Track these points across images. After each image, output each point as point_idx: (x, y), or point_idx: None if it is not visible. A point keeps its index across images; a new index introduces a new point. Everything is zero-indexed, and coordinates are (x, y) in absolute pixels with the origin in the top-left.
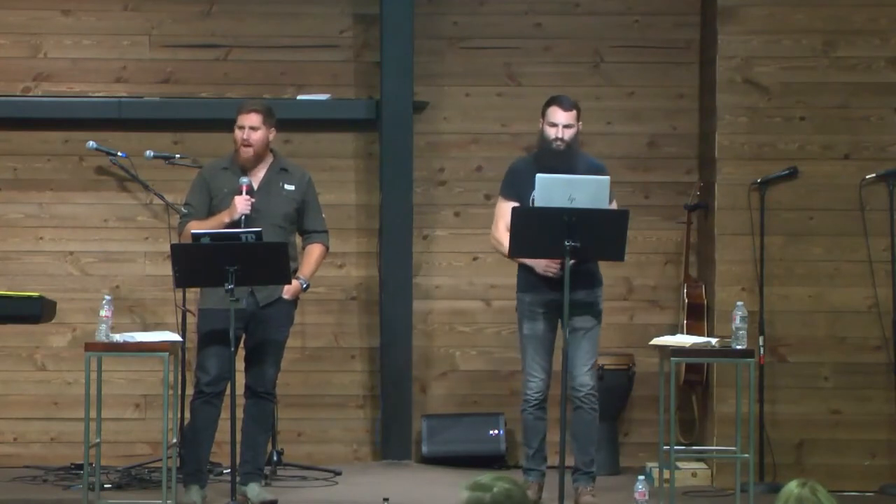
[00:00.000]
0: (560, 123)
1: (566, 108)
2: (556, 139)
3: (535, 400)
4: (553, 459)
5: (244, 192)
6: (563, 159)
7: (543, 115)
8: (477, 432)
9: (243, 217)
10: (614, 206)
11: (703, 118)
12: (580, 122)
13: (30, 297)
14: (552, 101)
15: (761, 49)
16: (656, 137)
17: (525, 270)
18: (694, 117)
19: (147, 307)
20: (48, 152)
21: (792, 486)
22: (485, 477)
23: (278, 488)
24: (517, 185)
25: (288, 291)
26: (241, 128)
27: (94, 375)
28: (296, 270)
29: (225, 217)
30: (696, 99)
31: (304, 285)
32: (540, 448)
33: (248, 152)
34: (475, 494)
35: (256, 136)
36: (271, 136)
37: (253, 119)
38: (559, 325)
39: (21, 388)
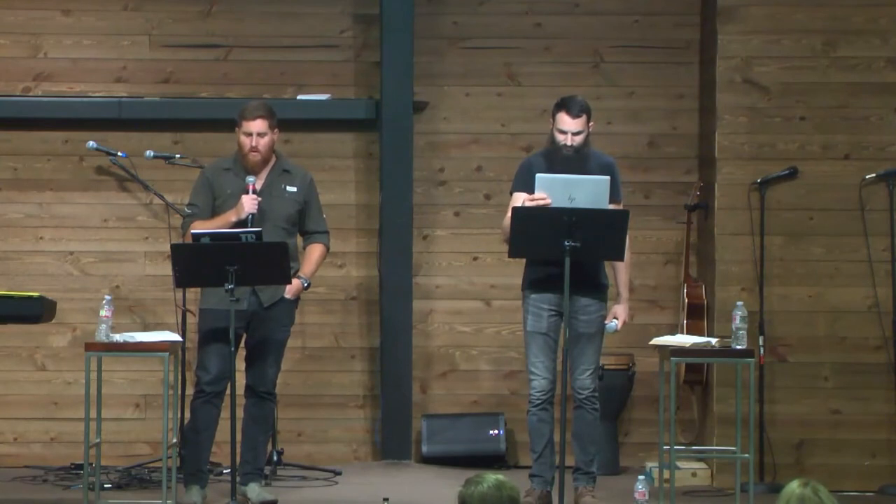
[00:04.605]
0: (569, 131)
1: (574, 115)
2: (565, 146)
3: (539, 401)
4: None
5: (251, 191)
6: (573, 162)
7: (553, 116)
8: (477, 432)
9: (251, 216)
10: (621, 200)
11: (703, 118)
12: (591, 124)
13: (30, 297)
14: (561, 106)
15: (761, 49)
16: (656, 137)
17: (531, 269)
18: (694, 117)
19: (147, 307)
20: (48, 152)
21: (793, 486)
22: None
23: (278, 488)
24: (531, 182)
25: (290, 290)
26: (249, 134)
27: (94, 375)
28: (296, 271)
29: (232, 216)
30: (696, 99)
31: (306, 284)
32: (544, 453)
33: (256, 157)
34: (468, 490)
35: (264, 142)
36: (275, 138)
37: (260, 125)
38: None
39: (21, 388)
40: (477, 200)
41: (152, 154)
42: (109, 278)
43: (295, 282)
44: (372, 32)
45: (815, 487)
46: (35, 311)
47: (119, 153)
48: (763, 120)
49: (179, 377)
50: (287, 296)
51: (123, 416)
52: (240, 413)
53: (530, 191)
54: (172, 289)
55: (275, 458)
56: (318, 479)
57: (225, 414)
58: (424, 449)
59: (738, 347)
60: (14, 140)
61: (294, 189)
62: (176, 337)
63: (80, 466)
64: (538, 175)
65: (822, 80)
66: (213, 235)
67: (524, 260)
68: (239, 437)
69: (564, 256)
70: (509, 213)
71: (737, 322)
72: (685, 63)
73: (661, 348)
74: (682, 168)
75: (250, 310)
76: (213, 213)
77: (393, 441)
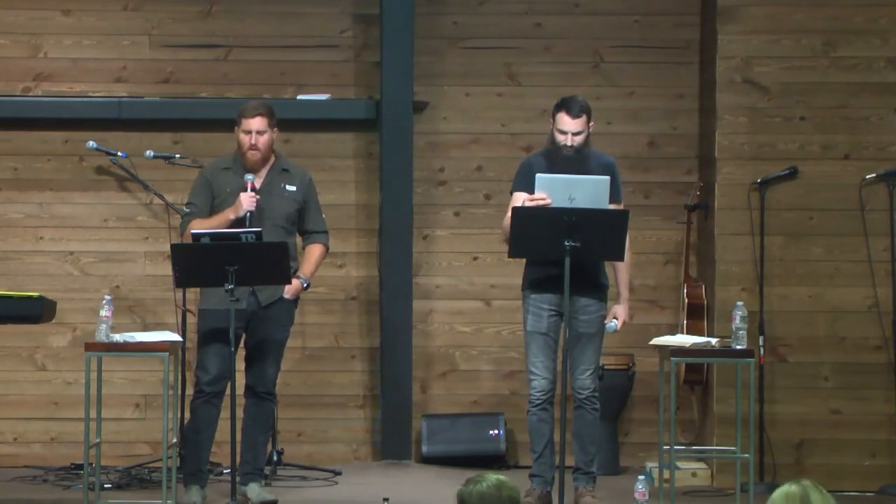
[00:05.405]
0: (569, 131)
1: (574, 116)
2: (566, 146)
3: (539, 401)
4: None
5: (249, 189)
6: (574, 161)
7: (553, 117)
8: (477, 432)
9: (248, 214)
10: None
11: (703, 118)
12: (591, 123)
13: (30, 297)
14: (561, 106)
15: (761, 49)
16: (656, 137)
17: (531, 269)
18: (694, 117)
19: (147, 307)
20: (48, 152)
21: (785, 487)
22: (478, 476)
23: (278, 488)
24: (531, 182)
25: (289, 291)
26: (248, 132)
27: (94, 375)
28: (296, 270)
29: (230, 214)
30: (696, 99)
31: (305, 284)
32: (544, 453)
33: (255, 156)
34: (467, 488)
35: (263, 140)
36: (275, 137)
37: (259, 123)
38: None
39: (21, 388)
40: (477, 200)
41: (152, 154)
42: (109, 278)
43: (294, 282)
44: (372, 32)
45: (814, 483)
46: (35, 311)
47: (119, 153)
48: (763, 120)
49: (179, 377)
50: (286, 296)
51: (123, 416)
52: (240, 413)
53: (530, 190)
54: (172, 289)
55: (275, 458)
56: (318, 479)
57: (225, 414)
58: (424, 449)
59: (738, 347)
60: (14, 140)
61: (293, 188)
62: (176, 337)
63: (80, 466)
64: (538, 175)
65: (822, 80)
66: (213, 235)
67: (524, 260)
68: (239, 437)
69: (564, 256)
70: (509, 213)
71: (737, 322)
72: (685, 63)
73: (661, 348)
74: (682, 168)
75: (249, 310)
76: (212, 212)
77: (393, 441)
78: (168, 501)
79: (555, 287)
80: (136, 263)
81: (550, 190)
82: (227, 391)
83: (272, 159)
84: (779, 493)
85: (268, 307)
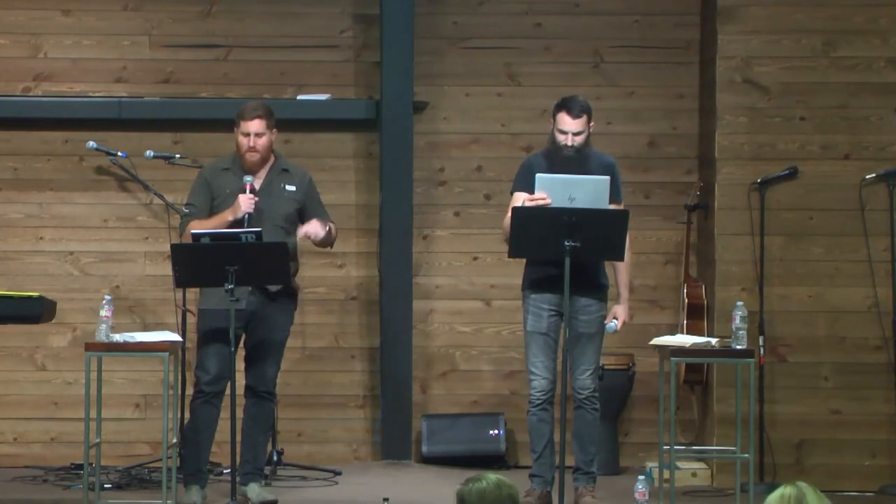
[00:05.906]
0: (570, 131)
1: (575, 116)
2: (566, 146)
3: (539, 401)
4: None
5: (248, 191)
6: (574, 161)
7: (554, 117)
8: (477, 432)
9: (247, 215)
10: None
11: (703, 118)
12: (592, 123)
13: (30, 297)
14: (562, 106)
15: (761, 49)
16: (656, 137)
17: (531, 269)
18: (694, 117)
19: (147, 307)
20: (48, 152)
21: (781, 490)
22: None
23: (278, 488)
24: (531, 182)
25: (312, 226)
26: (247, 135)
27: (94, 375)
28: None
29: (228, 215)
30: (696, 99)
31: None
32: (544, 453)
33: (254, 157)
34: (466, 487)
35: (262, 142)
36: (274, 138)
37: (257, 125)
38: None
39: (21, 388)
40: (477, 200)
41: (152, 154)
42: (109, 278)
43: (317, 222)
44: (372, 32)
45: (808, 485)
46: (35, 311)
47: (119, 153)
48: (763, 120)
49: (179, 377)
50: (309, 229)
51: (123, 416)
52: (240, 413)
53: (531, 191)
54: (172, 289)
55: (275, 458)
56: (318, 479)
57: (225, 414)
58: (424, 449)
59: (738, 347)
60: (14, 140)
61: (293, 188)
62: (176, 337)
63: (80, 466)
64: (538, 175)
65: (822, 80)
66: (213, 235)
67: (524, 260)
68: (239, 437)
69: (564, 256)
70: (509, 213)
71: (737, 322)
72: (685, 63)
73: (661, 348)
74: (682, 168)
75: (249, 309)
76: (212, 212)
77: (393, 441)
78: (168, 501)
79: (555, 287)
80: (136, 263)
81: (550, 190)
82: (227, 391)
83: (272, 160)
84: (775, 495)
85: (270, 302)
